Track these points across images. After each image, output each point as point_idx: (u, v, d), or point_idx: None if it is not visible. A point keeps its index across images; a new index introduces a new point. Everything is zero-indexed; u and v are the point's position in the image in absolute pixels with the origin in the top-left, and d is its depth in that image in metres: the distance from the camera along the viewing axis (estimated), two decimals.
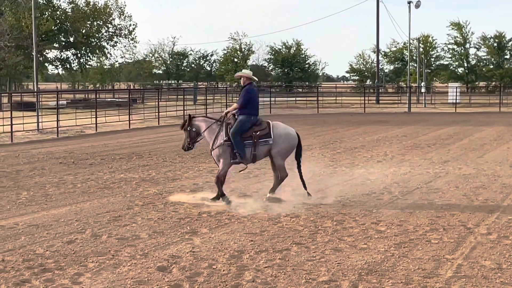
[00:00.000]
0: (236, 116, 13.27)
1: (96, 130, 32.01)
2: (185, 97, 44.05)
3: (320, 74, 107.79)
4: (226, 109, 13.80)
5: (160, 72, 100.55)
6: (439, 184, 15.25)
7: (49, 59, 66.37)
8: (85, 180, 15.97)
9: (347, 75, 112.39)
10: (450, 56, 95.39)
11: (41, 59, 58.52)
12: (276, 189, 13.20)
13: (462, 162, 19.17)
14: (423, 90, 62.90)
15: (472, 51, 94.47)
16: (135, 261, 8.89)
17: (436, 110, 51.96)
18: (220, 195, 13.04)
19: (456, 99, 54.82)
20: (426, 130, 31.19)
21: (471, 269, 8.49)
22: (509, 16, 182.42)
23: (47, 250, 9.42)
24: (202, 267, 8.62)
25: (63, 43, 65.85)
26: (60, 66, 68.63)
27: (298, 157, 13.44)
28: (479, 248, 9.55)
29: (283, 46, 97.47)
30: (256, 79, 13.96)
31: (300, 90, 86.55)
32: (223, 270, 8.46)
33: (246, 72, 13.70)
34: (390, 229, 10.73)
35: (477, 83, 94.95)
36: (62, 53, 67.31)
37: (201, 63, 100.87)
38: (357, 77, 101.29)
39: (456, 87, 61.31)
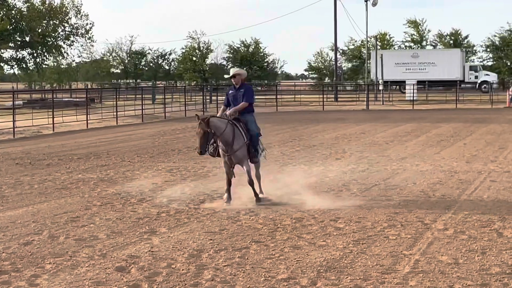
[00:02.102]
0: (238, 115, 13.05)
1: (53, 130, 31.68)
2: (143, 96, 43.76)
3: (279, 73, 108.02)
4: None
5: (118, 71, 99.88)
6: (397, 181, 15.38)
7: (5, 59, 65.49)
8: (42, 181, 15.79)
9: (306, 73, 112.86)
10: None
11: None
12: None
13: (419, 158, 19.36)
14: (381, 87, 63.41)
15: (428, 48, 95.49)
16: (93, 261, 8.81)
17: (394, 107, 52.41)
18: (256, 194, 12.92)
19: (413, 96, 55.32)
20: (384, 127, 31.44)
21: (428, 264, 8.57)
22: (465, 14, 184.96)
23: (3, 252, 9.30)
24: (161, 266, 8.58)
25: (19, 43, 65.07)
26: (16, 66, 67.81)
27: None
28: (436, 243, 9.65)
29: (242, 45, 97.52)
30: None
31: (259, 88, 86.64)
32: (182, 270, 8.43)
33: (242, 71, 13.62)
34: (349, 226, 10.80)
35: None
36: (17, 53, 66.50)
37: (159, 62, 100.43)
38: (315, 75, 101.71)
39: (414, 84, 61.85)
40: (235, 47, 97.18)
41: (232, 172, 12.99)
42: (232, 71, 13.36)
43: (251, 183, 12.82)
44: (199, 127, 12.34)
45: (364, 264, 8.60)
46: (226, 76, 13.45)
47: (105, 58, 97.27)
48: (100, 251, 9.32)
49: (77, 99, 51.62)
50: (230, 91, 13.42)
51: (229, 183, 12.91)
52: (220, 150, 12.92)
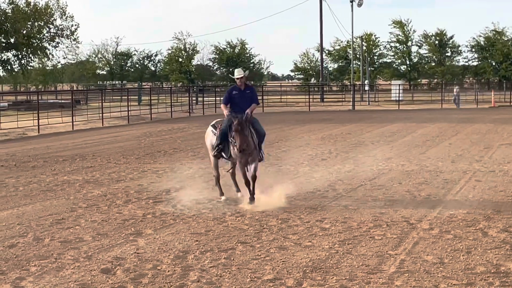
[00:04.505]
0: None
1: (39, 132, 31.56)
2: (129, 97, 43.66)
3: (265, 73, 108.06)
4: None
5: (104, 72, 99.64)
6: (382, 181, 15.41)
7: None
8: (27, 183, 15.72)
9: (292, 74, 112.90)
10: (392, 54, 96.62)
11: None
12: None
13: (405, 158, 19.41)
14: (366, 88, 63.59)
15: (414, 49, 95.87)
16: (78, 264, 8.78)
17: (379, 108, 52.53)
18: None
19: (399, 97, 55.50)
20: (370, 128, 31.51)
21: (414, 264, 8.59)
22: (450, 14, 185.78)
23: None
24: (147, 268, 8.55)
25: (4, 44, 64.78)
26: (0, 67, 67.48)
27: None
28: (421, 243, 9.67)
29: (228, 46, 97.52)
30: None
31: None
32: (168, 271, 8.41)
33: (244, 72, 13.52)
34: (335, 226, 10.81)
35: (419, 80, 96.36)
36: (2, 55, 66.20)
37: (145, 63, 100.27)
38: (301, 76, 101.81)
39: (399, 84, 62.10)
40: (221, 48, 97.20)
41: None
42: (237, 73, 13.31)
43: (254, 179, 12.82)
44: (239, 126, 12.35)
45: (350, 264, 8.61)
46: (233, 76, 13.39)
47: (90, 60, 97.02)
48: (86, 253, 9.29)
49: (63, 101, 51.44)
50: (234, 92, 13.35)
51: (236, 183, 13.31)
52: (234, 151, 12.84)
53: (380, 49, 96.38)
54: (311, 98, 54.50)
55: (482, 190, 14.04)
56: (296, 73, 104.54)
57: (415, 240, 9.87)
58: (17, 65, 67.44)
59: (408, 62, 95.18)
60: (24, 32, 63.98)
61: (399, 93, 56.25)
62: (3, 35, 64.04)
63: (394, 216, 11.52)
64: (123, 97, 56.31)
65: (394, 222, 11.10)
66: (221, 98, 14.30)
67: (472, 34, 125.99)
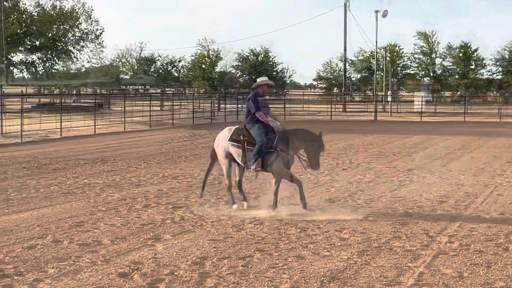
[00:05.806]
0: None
1: (61, 134, 31.73)
2: (151, 102, 43.84)
3: (288, 82, 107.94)
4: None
5: (127, 77, 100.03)
6: (403, 193, 15.32)
7: (14, 62, 65.73)
8: (48, 185, 15.80)
9: (315, 83, 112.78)
10: (416, 65, 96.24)
11: (5, 62, 57.92)
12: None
13: (426, 170, 19.29)
14: (389, 99, 63.37)
15: (438, 61, 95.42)
16: (96, 267, 8.79)
17: (402, 119, 52.29)
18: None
19: (422, 108, 55.25)
20: (391, 139, 31.37)
21: (433, 277, 8.52)
22: (475, 27, 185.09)
23: (6, 256, 9.29)
24: (164, 273, 8.55)
25: (29, 47, 65.28)
26: (25, 70, 67.99)
27: None
28: (441, 256, 9.59)
29: (251, 53, 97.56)
30: (272, 83, 14.42)
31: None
32: (185, 277, 8.40)
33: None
34: (353, 237, 10.75)
35: (442, 92, 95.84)
36: (28, 57, 66.69)
37: (168, 69, 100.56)
38: (324, 85, 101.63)
39: (422, 96, 61.84)
40: (244, 55, 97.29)
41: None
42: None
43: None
44: None
45: (368, 276, 8.56)
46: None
47: (114, 64, 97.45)
48: (104, 257, 9.30)
49: (86, 104, 51.75)
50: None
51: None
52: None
53: (404, 60, 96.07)
54: (333, 107, 54.39)
55: (503, 205, 13.92)
56: (319, 82, 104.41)
57: (435, 253, 9.79)
58: (42, 68, 67.88)
59: (431, 74, 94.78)
60: (50, 35, 64.43)
61: (421, 104, 56.00)
62: (29, 38, 64.54)
63: (414, 228, 11.44)
64: (145, 102, 56.46)
65: (413, 234, 11.02)
66: (243, 105, 14.39)
67: (497, 47, 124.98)
